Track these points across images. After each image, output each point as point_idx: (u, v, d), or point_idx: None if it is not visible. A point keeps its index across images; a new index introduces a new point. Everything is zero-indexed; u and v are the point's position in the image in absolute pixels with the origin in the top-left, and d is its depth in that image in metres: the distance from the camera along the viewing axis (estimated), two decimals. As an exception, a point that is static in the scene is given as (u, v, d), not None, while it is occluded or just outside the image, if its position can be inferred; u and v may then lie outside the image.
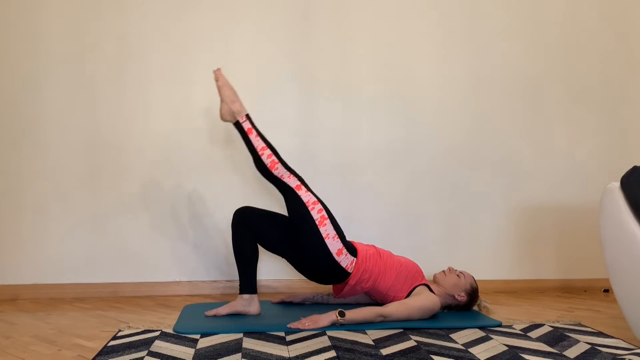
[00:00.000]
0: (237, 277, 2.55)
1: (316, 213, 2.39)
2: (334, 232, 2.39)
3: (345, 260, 2.38)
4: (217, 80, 2.49)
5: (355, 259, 2.41)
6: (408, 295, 2.43)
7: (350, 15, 3.16)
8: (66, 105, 2.96)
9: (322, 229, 2.37)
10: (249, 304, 2.45)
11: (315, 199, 2.42)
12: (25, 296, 2.90)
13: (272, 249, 2.49)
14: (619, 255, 2.15)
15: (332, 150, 3.13)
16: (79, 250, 2.96)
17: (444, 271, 2.58)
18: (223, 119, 2.50)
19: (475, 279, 2.61)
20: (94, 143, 2.98)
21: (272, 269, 3.07)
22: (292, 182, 2.43)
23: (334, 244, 2.37)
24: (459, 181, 3.22)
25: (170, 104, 3.03)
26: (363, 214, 3.14)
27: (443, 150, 3.21)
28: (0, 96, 2.93)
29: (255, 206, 2.59)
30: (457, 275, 2.54)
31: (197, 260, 3.04)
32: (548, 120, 3.29)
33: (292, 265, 2.49)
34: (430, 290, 2.47)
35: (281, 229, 2.47)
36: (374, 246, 2.55)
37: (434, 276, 2.60)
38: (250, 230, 2.44)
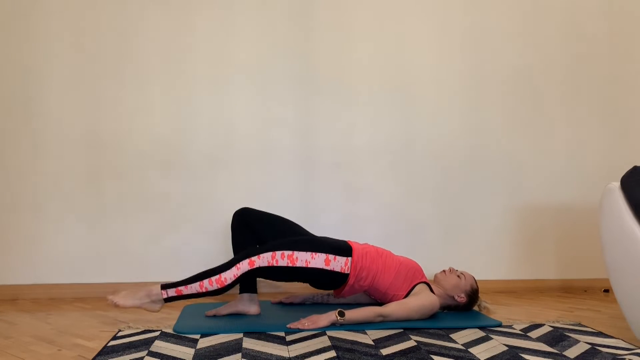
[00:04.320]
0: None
1: (282, 261, 2.31)
2: (309, 254, 2.33)
3: (337, 264, 2.37)
4: (117, 306, 2.28)
5: (349, 258, 2.39)
6: (408, 294, 2.42)
7: (350, 15, 3.16)
8: (66, 105, 2.96)
9: (298, 264, 2.32)
10: (249, 304, 2.45)
11: (271, 252, 2.32)
12: (25, 296, 2.90)
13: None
14: (619, 255, 2.15)
15: (332, 149, 3.13)
16: (78, 250, 2.96)
17: (444, 271, 2.58)
18: (157, 310, 2.34)
19: (476, 279, 2.61)
20: (94, 143, 2.98)
21: (272, 269, 3.07)
22: (244, 267, 2.30)
23: (317, 261, 2.34)
24: (459, 180, 3.22)
25: (170, 103, 3.03)
26: (363, 213, 3.14)
27: (443, 150, 3.21)
28: (0, 96, 2.93)
29: (255, 207, 2.59)
30: (458, 276, 2.54)
31: (197, 260, 3.03)
32: (548, 120, 3.29)
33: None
34: (430, 289, 2.47)
35: (280, 230, 2.47)
36: (372, 245, 2.54)
37: (435, 276, 2.59)
38: (250, 231, 2.44)
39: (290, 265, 2.31)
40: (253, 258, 2.31)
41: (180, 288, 2.29)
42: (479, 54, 3.25)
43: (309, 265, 2.32)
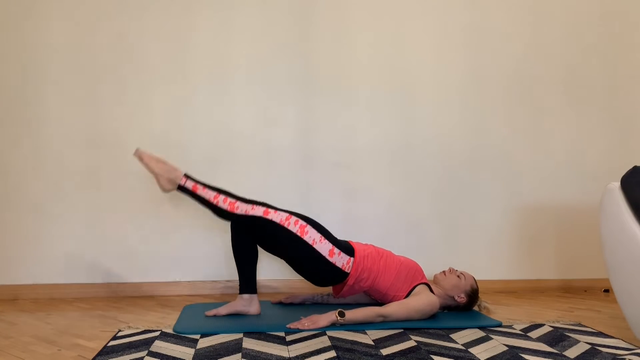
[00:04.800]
0: (237, 277, 2.55)
1: (293, 226, 2.37)
2: (319, 235, 2.38)
3: (340, 260, 2.38)
4: (141, 160, 2.43)
5: (352, 258, 2.40)
6: (408, 295, 2.42)
7: (350, 15, 3.16)
8: (66, 105, 2.97)
9: (305, 237, 2.36)
10: (249, 304, 2.45)
11: (287, 214, 2.40)
12: (25, 296, 2.90)
13: (271, 250, 2.49)
14: (619, 255, 2.15)
15: (332, 149, 3.13)
16: (78, 250, 2.96)
17: (444, 271, 2.58)
18: (165, 190, 2.44)
19: (475, 279, 2.60)
20: (94, 143, 2.98)
21: (272, 269, 3.07)
22: (258, 211, 2.39)
23: (323, 247, 2.37)
24: (459, 181, 3.22)
25: (170, 103, 3.03)
26: (362, 213, 3.14)
27: (443, 150, 3.21)
28: (0, 96, 2.93)
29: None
30: (458, 276, 2.54)
31: (197, 260, 3.04)
32: (548, 120, 3.29)
33: (291, 267, 2.49)
34: (430, 289, 2.47)
35: (280, 230, 2.46)
36: (372, 246, 2.54)
37: (435, 276, 2.60)
38: (250, 231, 2.44)
39: (298, 234, 2.35)
40: (270, 210, 2.39)
41: (198, 186, 2.41)
42: (479, 54, 3.25)
43: (314, 246, 2.35)
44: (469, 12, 3.25)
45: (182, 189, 2.42)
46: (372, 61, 3.17)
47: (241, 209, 2.39)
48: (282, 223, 2.37)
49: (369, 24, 3.17)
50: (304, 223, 2.39)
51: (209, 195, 2.41)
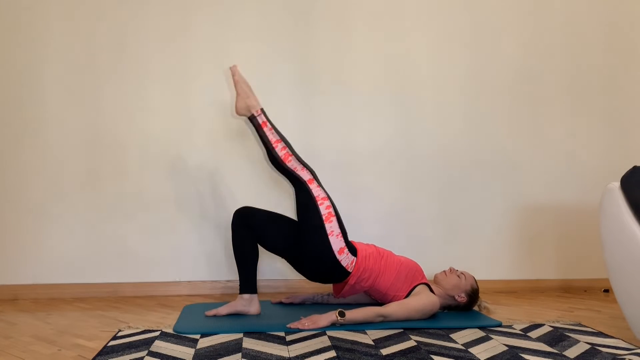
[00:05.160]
0: (237, 277, 2.55)
1: (324, 209, 2.40)
2: (339, 230, 2.40)
3: (346, 259, 2.38)
4: (233, 75, 2.53)
5: (355, 258, 2.41)
6: (408, 295, 2.43)
7: (350, 15, 3.16)
8: (66, 105, 2.96)
9: (327, 225, 2.38)
10: (249, 304, 2.45)
11: (325, 195, 2.44)
12: (25, 296, 2.90)
13: (272, 249, 2.49)
14: (619, 255, 2.15)
15: (332, 149, 3.13)
16: (78, 250, 2.96)
17: (444, 271, 2.58)
18: (239, 113, 2.52)
19: (476, 279, 2.60)
20: (94, 143, 2.98)
21: (272, 269, 3.07)
22: (305, 175, 2.45)
23: (337, 242, 2.37)
24: (459, 181, 3.22)
25: (170, 103, 3.03)
26: (362, 213, 3.14)
27: (443, 150, 3.21)
28: (0, 96, 2.93)
29: (255, 206, 2.59)
30: (458, 276, 2.54)
31: (197, 260, 3.04)
32: (548, 120, 3.29)
33: (292, 265, 2.49)
34: (431, 289, 2.47)
35: (282, 229, 2.47)
36: (373, 245, 2.55)
37: (435, 276, 2.60)
38: (250, 231, 2.44)
39: (323, 219, 2.38)
40: (315, 181, 2.45)
41: (268, 124, 2.46)
42: (479, 54, 3.24)
43: (330, 237, 2.37)
44: (469, 12, 3.24)
45: (252, 119, 2.48)
46: (373, 61, 3.17)
47: (292, 163, 2.44)
48: (316, 199, 2.41)
49: (369, 24, 3.17)
50: (333, 212, 2.41)
51: (272, 137, 2.45)
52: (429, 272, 2.73)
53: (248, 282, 2.46)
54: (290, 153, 2.44)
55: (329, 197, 2.44)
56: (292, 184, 2.51)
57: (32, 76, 2.94)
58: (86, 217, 2.97)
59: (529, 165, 3.27)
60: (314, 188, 2.43)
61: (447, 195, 3.21)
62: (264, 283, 3.06)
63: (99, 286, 2.96)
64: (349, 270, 2.39)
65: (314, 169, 2.51)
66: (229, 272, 3.03)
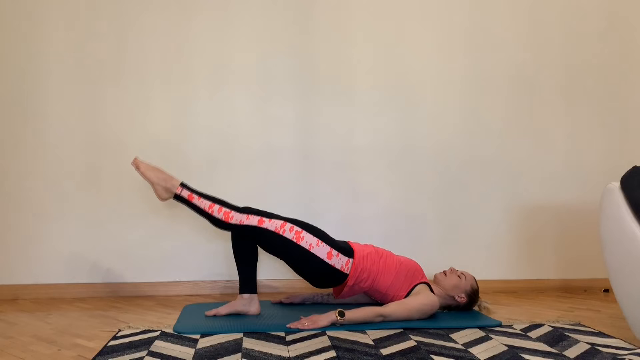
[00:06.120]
0: (237, 277, 2.55)
1: (289, 233, 2.36)
2: (316, 239, 2.38)
3: (339, 261, 2.38)
4: (137, 169, 2.45)
5: (351, 259, 2.40)
6: (408, 294, 2.42)
7: (350, 14, 3.16)
8: (66, 105, 2.97)
9: (302, 243, 2.36)
10: (249, 304, 2.45)
11: (282, 221, 2.39)
12: (25, 296, 2.90)
13: (271, 250, 2.49)
14: (619, 255, 2.15)
15: (332, 149, 3.13)
16: (79, 250, 2.96)
17: (444, 271, 2.58)
18: (162, 199, 2.46)
19: (476, 279, 2.60)
20: (94, 143, 2.98)
21: (272, 269, 3.07)
22: (252, 220, 2.38)
23: (320, 250, 2.36)
24: (459, 180, 3.22)
25: (170, 103, 3.03)
26: (362, 213, 3.14)
27: (443, 150, 3.21)
28: (0, 96, 2.93)
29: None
30: (458, 276, 2.54)
31: (197, 260, 3.04)
32: (548, 120, 3.29)
33: (291, 268, 2.49)
34: (430, 289, 2.47)
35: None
36: (372, 245, 2.54)
37: (435, 276, 2.59)
38: (250, 231, 2.44)
39: (294, 241, 2.35)
40: (265, 218, 2.39)
41: (194, 195, 2.42)
42: (479, 54, 3.24)
43: (312, 250, 2.35)
44: (469, 12, 3.24)
45: (178, 197, 2.43)
46: (373, 61, 3.17)
47: (235, 218, 2.38)
48: (277, 231, 2.36)
49: (369, 24, 3.17)
50: (299, 229, 2.38)
51: (204, 204, 2.40)
52: (429, 272, 2.73)
53: (248, 282, 2.46)
54: (228, 210, 2.39)
55: (287, 220, 2.40)
56: (250, 235, 2.40)
57: (33, 76, 2.94)
58: (86, 217, 2.97)
59: (529, 165, 3.27)
60: (267, 225, 2.37)
61: (447, 195, 3.21)
62: (264, 283, 3.06)
63: (99, 286, 2.96)
64: (345, 272, 2.39)
65: (259, 209, 2.44)
66: (229, 272, 3.03)
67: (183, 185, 2.45)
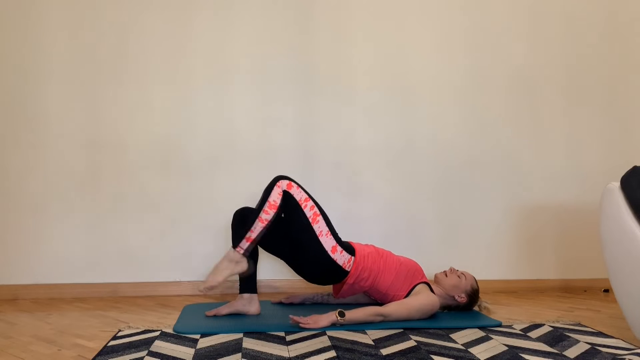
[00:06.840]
0: (237, 277, 2.55)
1: (309, 210, 2.38)
2: (327, 229, 2.39)
3: (341, 257, 2.38)
4: (212, 287, 2.30)
5: (352, 257, 2.40)
6: (408, 294, 2.42)
7: (350, 14, 3.16)
8: (66, 105, 2.97)
9: (315, 226, 2.37)
10: (249, 304, 2.45)
11: (307, 197, 2.41)
12: (25, 296, 2.90)
13: (271, 250, 2.49)
14: (619, 255, 2.15)
15: (331, 149, 3.13)
16: (79, 250, 2.96)
17: (445, 271, 2.58)
18: (246, 270, 2.35)
19: (476, 279, 2.60)
20: (94, 143, 2.98)
21: (272, 269, 3.07)
22: (283, 184, 2.37)
23: (327, 241, 2.37)
24: (459, 180, 3.22)
25: (170, 103, 3.03)
26: (362, 213, 3.14)
27: (443, 150, 3.21)
28: (0, 96, 2.93)
29: (254, 207, 2.59)
30: (458, 276, 2.54)
31: (197, 260, 3.03)
32: (548, 120, 3.29)
33: (291, 267, 2.49)
34: (431, 289, 2.47)
35: (280, 230, 2.47)
36: (372, 245, 2.54)
37: (435, 276, 2.59)
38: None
39: (310, 220, 2.36)
40: (293, 184, 2.38)
41: (248, 235, 2.33)
42: (479, 54, 3.25)
43: (320, 238, 2.35)
44: (469, 12, 3.25)
45: (247, 252, 2.32)
46: (373, 61, 3.17)
47: (276, 197, 2.33)
48: (299, 202, 2.37)
49: (369, 24, 3.17)
50: (318, 212, 2.39)
51: (259, 227, 2.31)
52: (429, 272, 2.73)
53: (248, 281, 2.46)
54: (269, 203, 2.33)
55: (311, 198, 2.41)
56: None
57: (33, 76, 2.94)
58: (86, 217, 2.97)
59: (529, 165, 3.27)
60: (294, 190, 2.38)
61: (447, 194, 3.21)
62: (264, 283, 3.06)
63: (99, 286, 2.96)
64: (346, 269, 2.39)
65: (292, 176, 2.45)
66: (229, 272, 3.03)
67: (234, 246, 2.34)
